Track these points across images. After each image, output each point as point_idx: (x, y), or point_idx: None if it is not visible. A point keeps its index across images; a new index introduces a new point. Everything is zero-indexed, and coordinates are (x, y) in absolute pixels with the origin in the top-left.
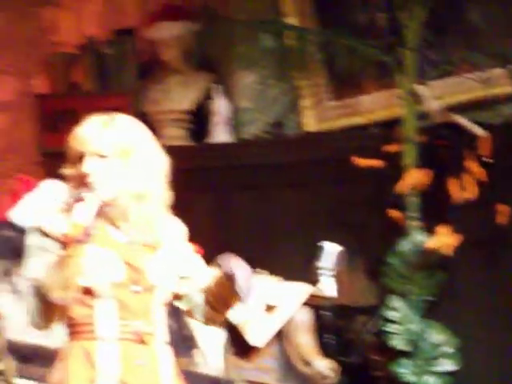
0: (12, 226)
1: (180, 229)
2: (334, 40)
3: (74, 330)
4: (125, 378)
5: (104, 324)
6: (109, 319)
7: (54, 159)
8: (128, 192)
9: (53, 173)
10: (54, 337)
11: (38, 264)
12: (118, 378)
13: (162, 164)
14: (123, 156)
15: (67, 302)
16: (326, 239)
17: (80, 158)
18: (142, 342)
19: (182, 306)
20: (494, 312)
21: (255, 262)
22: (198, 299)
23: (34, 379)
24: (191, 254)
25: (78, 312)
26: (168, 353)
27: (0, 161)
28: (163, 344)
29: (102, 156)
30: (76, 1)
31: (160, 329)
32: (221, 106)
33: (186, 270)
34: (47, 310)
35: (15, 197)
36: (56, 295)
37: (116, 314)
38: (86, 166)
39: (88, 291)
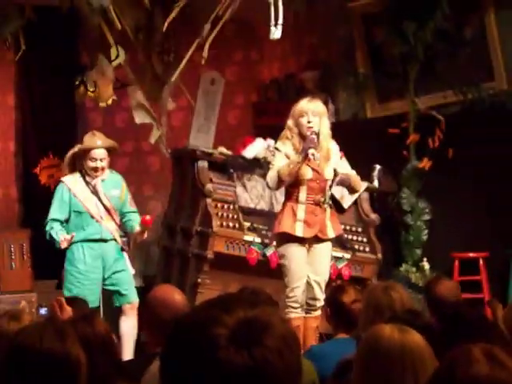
0: (243, 157)
1: (337, 150)
2: (374, 75)
3: (288, 196)
4: (307, 219)
5: (301, 196)
6: (303, 194)
7: (260, 130)
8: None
9: (261, 136)
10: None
11: (279, 162)
12: (303, 220)
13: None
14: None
15: (286, 183)
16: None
17: (301, 115)
18: (318, 205)
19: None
20: (454, 190)
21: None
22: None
23: None
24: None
25: (291, 187)
26: (331, 210)
27: (234, 131)
28: (329, 205)
29: (317, 115)
30: (269, 56)
31: (328, 198)
32: (330, 106)
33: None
34: (279, 183)
35: (244, 146)
36: (284, 179)
37: (306, 192)
38: (312, 120)
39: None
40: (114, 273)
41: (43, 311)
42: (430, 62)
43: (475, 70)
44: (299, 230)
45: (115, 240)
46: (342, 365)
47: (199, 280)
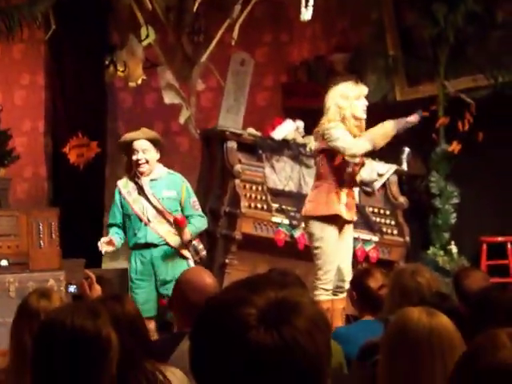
0: (272, 139)
1: None
2: (404, 58)
3: (330, 178)
4: (348, 202)
5: (346, 179)
6: (347, 177)
7: (290, 112)
8: None
9: (290, 118)
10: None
11: (345, 135)
12: (345, 203)
13: None
14: None
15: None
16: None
17: (358, 98)
18: (352, 188)
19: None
20: (483, 174)
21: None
22: None
23: None
24: None
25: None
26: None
27: (264, 112)
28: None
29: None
30: (299, 38)
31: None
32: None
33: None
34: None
35: (273, 127)
36: (379, 144)
37: (349, 175)
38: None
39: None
40: (168, 282)
41: (72, 289)
42: (461, 46)
43: (506, 54)
44: (344, 213)
45: (167, 244)
46: (368, 347)
47: (227, 261)
